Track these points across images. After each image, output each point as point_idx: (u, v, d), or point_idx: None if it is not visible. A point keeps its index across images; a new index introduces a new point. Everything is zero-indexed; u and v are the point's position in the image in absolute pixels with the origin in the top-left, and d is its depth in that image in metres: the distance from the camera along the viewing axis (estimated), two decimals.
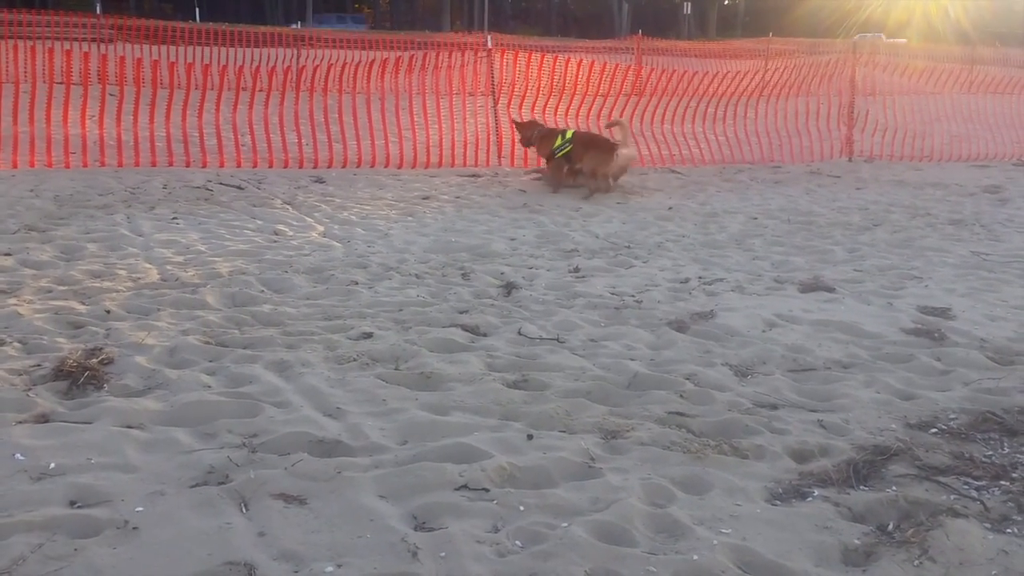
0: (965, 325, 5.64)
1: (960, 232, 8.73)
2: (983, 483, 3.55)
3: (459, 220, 8.57)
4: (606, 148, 10.19)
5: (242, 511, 3.15)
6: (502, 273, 6.61)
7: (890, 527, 3.21)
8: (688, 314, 5.72)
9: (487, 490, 3.36)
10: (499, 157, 12.39)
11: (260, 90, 11.82)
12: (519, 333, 5.25)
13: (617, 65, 15.79)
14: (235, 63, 19.40)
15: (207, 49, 22.90)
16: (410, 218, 8.57)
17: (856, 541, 3.12)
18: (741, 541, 3.09)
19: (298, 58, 22.17)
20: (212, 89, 11.79)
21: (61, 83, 11.24)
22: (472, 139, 12.49)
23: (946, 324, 5.64)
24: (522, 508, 3.25)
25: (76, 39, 22.66)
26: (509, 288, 6.20)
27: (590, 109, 13.65)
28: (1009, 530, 3.20)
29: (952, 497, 3.42)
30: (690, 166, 12.85)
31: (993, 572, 2.96)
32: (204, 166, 10.65)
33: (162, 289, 5.79)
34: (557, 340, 5.16)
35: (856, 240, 8.23)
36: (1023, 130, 16.40)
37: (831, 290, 6.40)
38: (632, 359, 4.87)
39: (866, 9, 54.24)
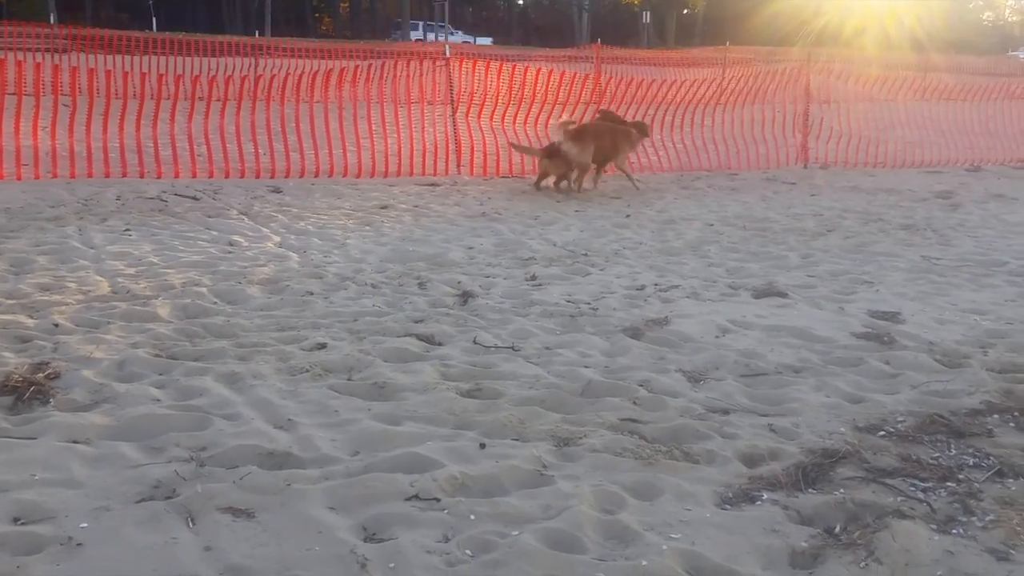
0: (914, 329, 5.72)
1: (912, 237, 8.87)
2: (929, 485, 3.60)
3: (417, 229, 8.56)
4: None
5: (189, 526, 3.11)
6: (459, 282, 6.61)
7: (837, 529, 3.25)
8: (643, 321, 5.75)
9: (438, 500, 3.35)
10: (458, 166, 12.40)
11: (217, 100, 11.74)
12: (474, 342, 5.25)
13: (576, 73, 15.87)
14: (191, 72, 19.22)
15: (163, 59, 22.68)
16: (367, 228, 8.54)
17: (804, 544, 3.15)
18: (690, 546, 3.11)
19: (256, 67, 22.04)
20: (167, 99, 11.69)
21: (13, 94, 11.08)
22: (431, 148, 12.48)
23: (896, 328, 5.72)
24: (473, 517, 3.25)
25: (30, 49, 22.35)
26: (465, 297, 6.20)
27: (549, 117, 13.69)
28: (955, 531, 3.25)
29: (899, 499, 3.47)
30: (648, 173, 12.93)
31: (938, 573, 3.00)
32: (159, 177, 10.54)
33: (113, 302, 5.72)
34: (512, 348, 5.17)
35: (810, 246, 8.33)
36: (975, 136, 16.71)
37: (784, 295, 6.47)
38: (586, 366, 4.89)
39: (823, 18, 54.91)
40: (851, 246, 8.36)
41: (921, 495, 3.50)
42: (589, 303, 6.16)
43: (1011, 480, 3.63)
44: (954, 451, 3.93)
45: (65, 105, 11.97)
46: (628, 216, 9.58)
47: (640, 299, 6.31)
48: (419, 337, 5.28)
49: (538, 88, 14.16)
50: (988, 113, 17.82)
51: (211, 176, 10.81)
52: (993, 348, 5.39)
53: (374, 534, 3.13)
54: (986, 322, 5.95)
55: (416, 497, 3.36)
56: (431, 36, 57.82)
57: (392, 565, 2.92)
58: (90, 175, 10.26)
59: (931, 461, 3.81)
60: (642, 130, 11.79)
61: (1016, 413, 4.34)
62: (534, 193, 10.93)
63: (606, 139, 11.09)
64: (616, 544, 3.13)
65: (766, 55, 34.77)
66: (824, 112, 16.29)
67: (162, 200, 9.29)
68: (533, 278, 6.80)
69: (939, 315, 6.08)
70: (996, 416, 4.32)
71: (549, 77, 14.43)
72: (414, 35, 57.08)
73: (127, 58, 21.82)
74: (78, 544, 2.97)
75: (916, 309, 6.20)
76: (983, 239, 8.86)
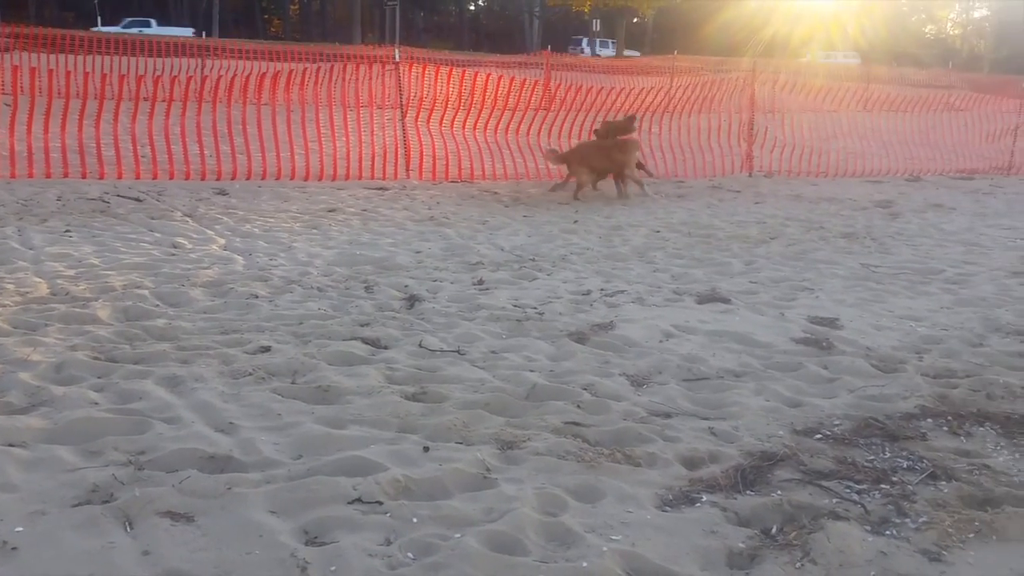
0: (852, 334, 5.84)
1: (851, 245, 9.05)
2: (864, 487, 3.67)
3: (365, 233, 8.53)
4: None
5: (126, 530, 3.07)
6: (406, 286, 6.60)
7: (774, 530, 3.30)
8: (588, 325, 5.79)
9: (381, 503, 3.35)
10: (407, 170, 12.37)
11: (162, 100, 11.58)
12: (420, 346, 5.24)
13: (526, 80, 15.93)
14: (136, 72, 18.93)
15: (108, 58, 22.32)
16: (315, 231, 8.49)
17: (741, 544, 3.21)
18: (630, 547, 3.14)
19: (203, 68, 21.78)
20: (111, 99, 11.51)
21: None
22: (380, 152, 12.45)
23: (834, 333, 5.83)
24: (415, 520, 3.25)
25: None
26: (412, 301, 6.20)
27: (498, 123, 13.74)
28: (888, 532, 3.32)
29: (834, 500, 3.54)
30: None
31: (872, 573, 3.06)
32: (101, 178, 10.37)
33: (51, 304, 5.62)
34: (458, 352, 5.17)
35: (753, 253, 8.46)
36: (915, 147, 17.09)
37: (727, 301, 6.56)
38: (532, 370, 4.91)
39: (771, 28, 55.73)
40: (793, 253, 8.51)
41: (856, 497, 3.58)
42: (535, 308, 6.19)
43: (944, 483, 3.72)
44: (888, 454, 4.02)
45: (6, 104, 11.73)
46: (576, 222, 9.64)
47: (586, 304, 6.36)
48: (364, 341, 5.26)
49: (488, 93, 14.19)
50: (928, 124, 18.24)
51: (155, 177, 10.67)
52: (928, 354, 5.52)
53: (315, 537, 3.12)
54: (922, 328, 6.09)
55: (359, 500, 3.35)
56: (587, 51, 57.62)
57: (333, 568, 2.92)
58: (30, 175, 10.06)
59: (866, 464, 3.89)
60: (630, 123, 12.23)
61: (949, 417, 4.45)
62: (483, 198, 10.95)
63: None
64: (558, 546, 3.16)
65: (714, 65, 35.20)
66: (769, 122, 16.55)
67: (104, 201, 9.15)
68: (480, 282, 6.82)
69: (876, 321, 6.21)
70: (930, 420, 4.42)
71: (499, 83, 14.48)
72: (575, 49, 57.04)
73: (70, 57, 21.42)
74: (13, 548, 2.92)
75: (854, 315, 6.33)
76: (921, 248, 9.06)
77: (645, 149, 14.34)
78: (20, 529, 3.04)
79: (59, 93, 12.09)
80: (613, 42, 61.42)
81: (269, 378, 4.58)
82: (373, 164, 12.09)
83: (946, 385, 4.94)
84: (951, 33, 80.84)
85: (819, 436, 4.18)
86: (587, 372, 4.93)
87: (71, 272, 6.42)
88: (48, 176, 10.12)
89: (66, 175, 10.25)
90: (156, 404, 4.14)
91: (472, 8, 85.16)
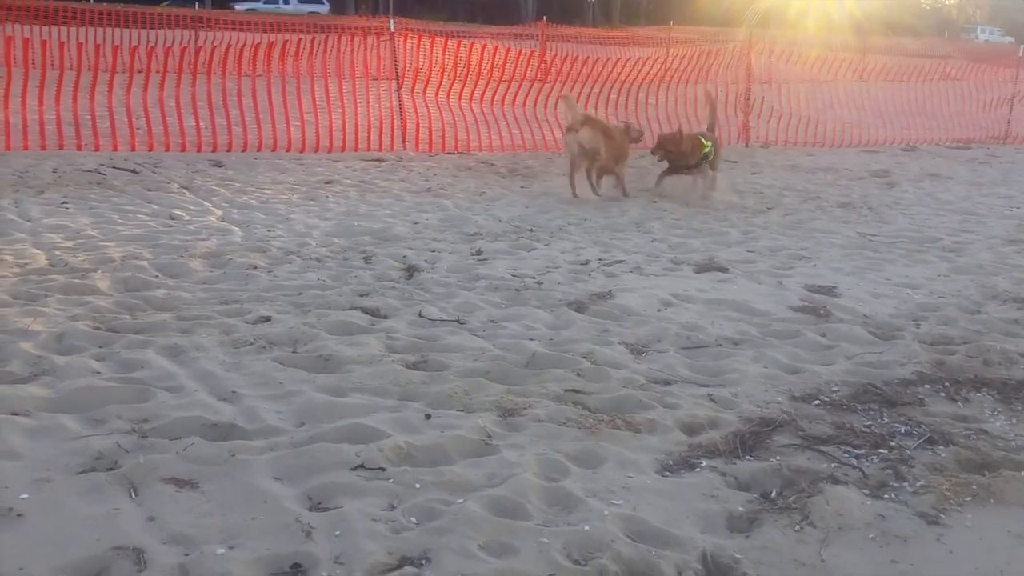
0: (849, 302, 5.87)
1: (848, 214, 9.06)
2: (862, 451, 3.71)
3: (362, 204, 8.52)
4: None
5: (131, 496, 3.10)
6: (404, 256, 6.61)
7: (773, 494, 3.34)
8: (587, 295, 5.81)
9: (383, 469, 3.37)
10: (403, 142, 12.33)
11: (156, 71, 11.50)
12: (420, 315, 5.26)
13: (521, 51, 15.85)
14: (130, 44, 18.78)
15: (101, 30, 22.15)
16: (312, 202, 8.48)
17: (741, 508, 3.24)
18: (631, 511, 3.18)
19: (196, 39, 21.62)
20: (105, 71, 11.43)
21: None
22: (376, 123, 12.40)
23: (832, 301, 5.86)
24: (418, 486, 3.27)
25: None
26: (411, 271, 6.20)
27: (494, 94, 13.68)
28: (886, 496, 3.36)
29: (832, 465, 3.58)
30: None
31: (870, 536, 3.10)
32: (97, 150, 10.31)
33: (50, 275, 5.61)
34: (458, 322, 5.19)
35: (750, 222, 8.47)
36: (911, 117, 17.06)
37: (725, 270, 6.58)
38: (531, 339, 4.93)
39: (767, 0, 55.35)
40: (790, 223, 8.52)
41: (854, 461, 3.62)
42: (534, 277, 6.20)
43: (941, 447, 3.76)
44: (886, 419, 4.05)
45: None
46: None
47: (584, 274, 6.37)
48: (364, 310, 5.28)
49: (483, 65, 14.12)
50: (924, 94, 18.18)
51: (151, 149, 10.62)
52: (925, 321, 5.56)
53: (319, 503, 3.15)
54: (919, 296, 6.12)
55: (362, 467, 3.37)
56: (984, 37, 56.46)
57: (337, 533, 2.94)
58: (25, 147, 10.01)
59: (864, 429, 3.93)
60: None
61: (946, 383, 4.49)
62: (480, 169, 10.93)
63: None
64: (559, 510, 3.19)
65: (710, 36, 35.00)
66: (765, 92, 16.50)
67: (100, 173, 9.11)
68: (478, 253, 6.82)
69: (874, 289, 6.24)
70: (927, 386, 4.47)
71: (495, 54, 14.39)
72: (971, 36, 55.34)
73: (63, 29, 21.24)
74: (19, 515, 2.94)
75: (852, 284, 6.36)
76: (917, 216, 9.09)
77: (642, 120, 14.29)
78: (26, 496, 3.06)
79: (52, 65, 11.99)
80: (1000, 32, 60.24)
81: (270, 347, 4.59)
82: (369, 136, 12.04)
83: (943, 352, 4.98)
84: (947, 3, 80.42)
85: (817, 402, 4.21)
86: (586, 340, 4.95)
87: (69, 243, 6.41)
88: (43, 148, 10.07)
89: (61, 147, 10.20)
90: (158, 373, 4.15)
91: None
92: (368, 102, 13.18)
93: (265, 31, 23.50)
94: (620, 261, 6.75)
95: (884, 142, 15.43)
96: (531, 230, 7.73)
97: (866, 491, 3.38)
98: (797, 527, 3.12)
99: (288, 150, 11.34)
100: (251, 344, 4.61)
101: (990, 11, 71.41)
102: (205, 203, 8.13)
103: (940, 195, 10.48)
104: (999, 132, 16.78)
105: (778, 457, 3.62)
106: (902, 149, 14.99)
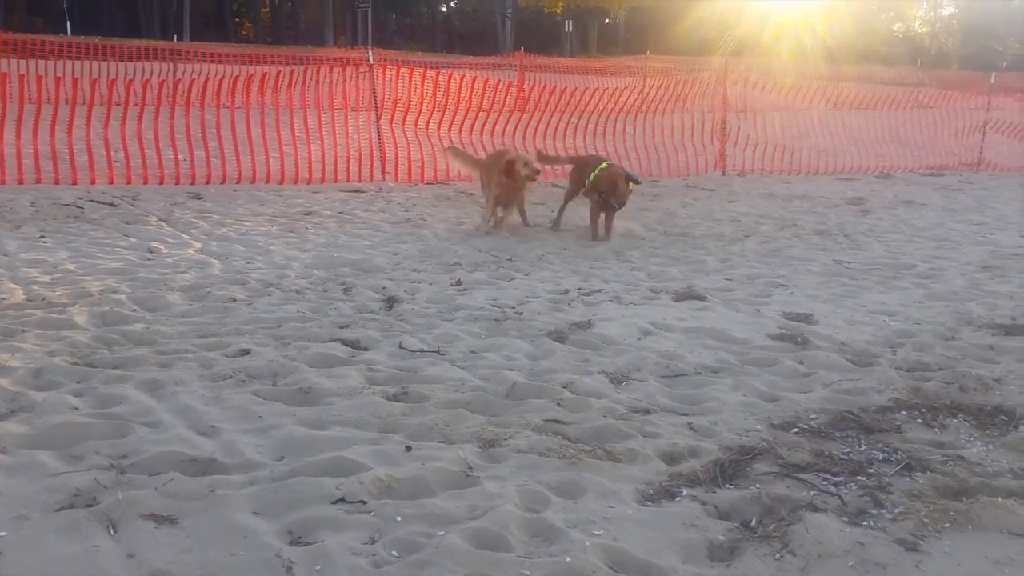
0: (826, 330, 5.92)
1: (824, 242, 9.15)
2: (841, 479, 3.73)
3: (342, 235, 8.53)
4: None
5: (110, 533, 3.07)
6: (384, 287, 6.62)
7: (753, 523, 3.35)
8: (567, 324, 5.83)
9: (364, 502, 3.36)
10: (383, 172, 12.37)
11: (135, 105, 11.52)
12: (400, 346, 5.26)
13: (500, 81, 15.97)
14: (108, 77, 18.79)
15: (79, 63, 22.13)
16: (291, 234, 8.48)
17: (721, 537, 3.25)
18: (612, 542, 3.18)
19: (175, 72, 21.65)
20: (83, 104, 11.43)
21: None
22: (355, 155, 12.43)
23: (809, 329, 5.90)
24: (399, 519, 3.27)
25: None
26: (391, 302, 6.21)
27: (473, 124, 13.76)
28: (865, 523, 3.37)
29: (812, 493, 3.59)
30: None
31: (850, 563, 3.11)
32: (74, 183, 10.29)
33: (27, 310, 5.58)
34: (438, 352, 5.20)
35: (728, 251, 8.54)
36: (885, 144, 17.29)
37: (703, 299, 6.63)
38: (511, 369, 4.94)
39: (741, 28, 56.04)
40: (767, 251, 8.59)
41: (833, 489, 3.63)
42: (514, 307, 6.22)
43: (919, 474, 3.78)
44: (864, 446, 4.08)
45: None
46: (551, 222, 9.66)
47: (564, 303, 6.40)
48: (344, 342, 5.27)
49: (462, 95, 14.22)
50: (898, 122, 18.45)
51: (129, 182, 10.60)
52: (901, 347, 5.61)
53: (300, 537, 3.13)
54: (895, 323, 6.18)
55: (342, 500, 3.36)
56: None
57: (318, 567, 2.93)
58: (3, 182, 9.97)
59: (842, 456, 3.95)
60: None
61: (923, 409, 4.52)
62: (459, 199, 10.97)
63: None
64: (541, 542, 3.19)
65: (687, 64, 35.36)
66: (741, 121, 16.68)
67: (78, 207, 9.09)
68: (458, 283, 6.84)
69: (850, 316, 6.29)
70: (904, 412, 4.50)
71: (473, 84, 14.50)
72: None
73: (41, 63, 21.21)
74: None
75: (828, 311, 6.41)
76: (892, 243, 9.19)
77: (619, 149, 14.41)
78: (3, 534, 3.03)
79: (30, 99, 11.97)
80: None
81: (250, 381, 4.58)
82: (348, 167, 12.08)
83: (920, 378, 5.02)
84: (919, 31, 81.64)
85: (796, 430, 4.24)
86: (566, 370, 4.96)
87: (47, 278, 6.38)
88: (20, 182, 10.04)
89: (39, 181, 10.18)
90: (137, 408, 4.13)
91: (444, 10, 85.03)
92: (347, 133, 13.22)
93: (244, 63, 23.56)
94: (599, 290, 6.79)
95: (859, 169, 15.62)
96: (510, 260, 7.76)
97: (845, 518, 3.39)
98: (777, 555, 3.13)
99: (267, 182, 11.36)
100: (231, 377, 4.59)
101: (962, 39, 72.57)
102: (184, 236, 8.12)
103: (914, 222, 10.60)
104: (972, 159, 17.02)
105: (758, 485, 3.64)
106: (876, 176, 15.18)
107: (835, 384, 4.89)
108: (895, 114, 18.75)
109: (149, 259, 7.17)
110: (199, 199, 10.00)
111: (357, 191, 11.19)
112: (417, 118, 13.79)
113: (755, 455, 3.91)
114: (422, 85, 14.92)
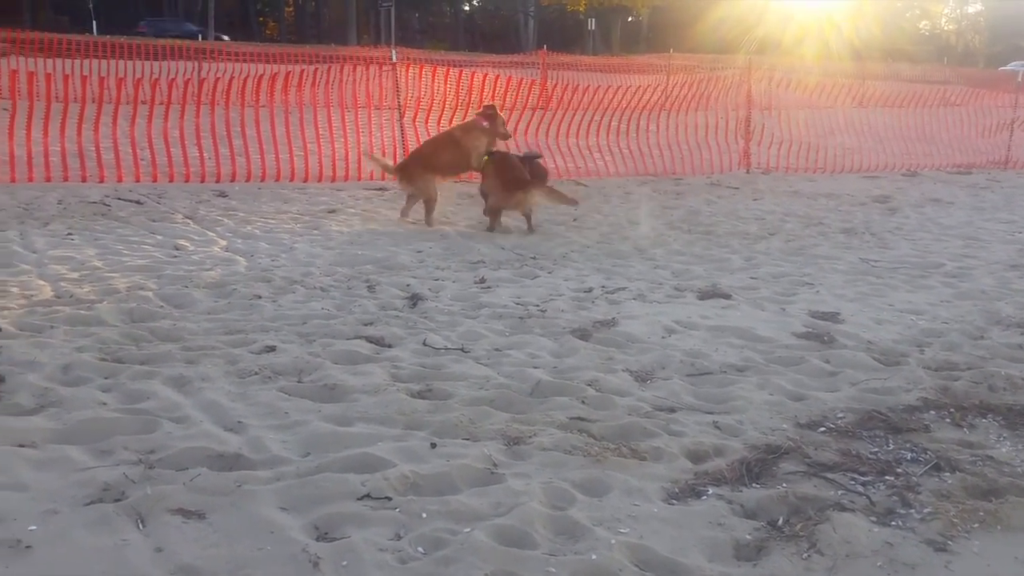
0: (853, 328, 5.87)
1: (850, 240, 9.08)
2: (869, 478, 3.70)
3: (365, 233, 8.56)
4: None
5: (139, 528, 3.10)
6: (408, 285, 6.63)
7: (780, 522, 3.33)
8: (591, 322, 5.82)
9: (390, 499, 3.37)
10: None
11: (160, 103, 11.60)
12: (424, 344, 5.27)
13: (523, 79, 15.96)
14: (134, 76, 18.94)
15: (104, 62, 22.31)
16: (315, 232, 8.52)
17: (748, 536, 3.23)
18: (638, 540, 3.17)
19: (199, 71, 21.79)
20: (109, 103, 11.52)
21: None
22: (378, 153, 12.44)
23: (835, 328, 5.86)
24: (424, 515, 3.27)
25: None
26: (415, 300, 6.22)
27: None
28: (893, 523, 3.35)
29: (839, 492, 3.57)
30: (595, 178, 13.05)
31: (878, 563, 3.09)
32: (101, 181, 10.37)
33: (56, 306, 5.63)
34: (462, 350, 5.20)
35: (752, 249, 8.49)
36: (912, 142, 17.13)
37: (728, 297, 6.60)
38: (535, 367, 4.94)
39: (765, 26, 55.77)
40: (792, 249, 8.54)
41: (861, 488, 3.61)
42: (537, 305, 6.22)
43: (947, 474, 3.75)
44: (892, 446, 4.05)
45: (4, 109, 11.74)
46: (575, 220, 9.66)
47: (588, 301, 6.39)
48: (369, 339, 5.29)
49: (485, 93, 14.21)
50: (924, 120, 18.28)
51: (155, 180, 10.68)
52: (929, 347, 5.56)
53: (326, 533, 3.15)
54: (922, 322, 6.13)
55: (368, 496, 3.37)
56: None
57: (345, 563, 2.94)
58: (31, 179, 10.07)
59: (870, 456, 3.92)
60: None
61: (952, 409, 4.49)
62: (481, 198, 10.95)
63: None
64: (566, 539, 3.19)
65: (709, 62, 35.21)
66: (766, 119, 16.59)
67: (105, 204, 9.16)
68: (482, 281, 6.85)
69: (877, 315, 6.24)
70: (932, 412, 4.46)
71: (496, 82, 14.50)
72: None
73: (67, 61, 21.40)
74: (27, 547, 2.94)
75: (855, 310, 6.37)
76: (919, 242, 9.11)
77: (643, 147, 14.35)
78: (33, 528, 3.06)
79: (57, 98, 12.08)
80: None
81: (275, 377, 4.60)
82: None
83: (948, 377, 4.98)
84: (946, 29, 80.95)
85: (823, 429, 4.21)
86: (591, 368, 4.95)
87: (75, 275, 6.44)
88: (48, 180, 10.13)
89: (66, 179, 10.26)
90: (164, 404, 4.16)
91: (467, 8, 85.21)
92: (371, 131, 13.26)
93: (268, 62, 23.68)
94: (623, 288, 6.77)
95: (885, 168, 15.49)
96: (534, 258, 7.76)
97: (873, 518, 3.37)
98: (804, 555, 3.11)
99: (291, 180, 11.40)
100: (256, 374, 4.62)
101: (989, 37, 71.90)
102: (209, 233, 8.17)
103: (942, 220, 10.51)
104: (1000, 157, 16.84)
105: (784, 485, 3.62)
106: (903, 175, 15.05)
107: (862, 383, 4.85)
108: (922, 112, 18.59)
109: (175, 256, 7.22)
110: (224, 197, 10.06)
111: (380, 189, 11.22)
112: (440, 116, 13.79)
113: (781, 454, 3.89)
114: (445, 83, 14.92)
